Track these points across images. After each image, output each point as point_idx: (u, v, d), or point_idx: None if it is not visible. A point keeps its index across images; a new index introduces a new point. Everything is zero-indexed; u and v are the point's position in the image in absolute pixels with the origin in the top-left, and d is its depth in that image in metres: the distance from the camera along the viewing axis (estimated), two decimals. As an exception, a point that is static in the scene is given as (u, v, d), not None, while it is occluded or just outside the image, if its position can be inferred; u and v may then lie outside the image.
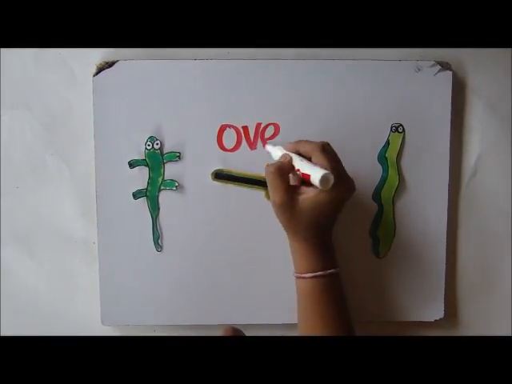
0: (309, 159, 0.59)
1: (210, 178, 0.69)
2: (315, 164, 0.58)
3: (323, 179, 0.55)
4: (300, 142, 0.61)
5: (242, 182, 0.69)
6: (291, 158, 0.60)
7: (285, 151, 0.62)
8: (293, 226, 0.61)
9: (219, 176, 0.69)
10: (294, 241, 0.62)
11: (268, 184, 0.60)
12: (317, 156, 0.58)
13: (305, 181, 0.58)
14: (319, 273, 0.61)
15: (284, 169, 0.59)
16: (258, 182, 0.69)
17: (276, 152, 0.63)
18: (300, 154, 0.61)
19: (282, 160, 0.60)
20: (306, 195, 0.58)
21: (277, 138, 0.68)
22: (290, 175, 0.60)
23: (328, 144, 0.60)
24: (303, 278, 0.61)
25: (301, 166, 0.58)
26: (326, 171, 0.56)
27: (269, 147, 0.65)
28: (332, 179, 0.56)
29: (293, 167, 0.59)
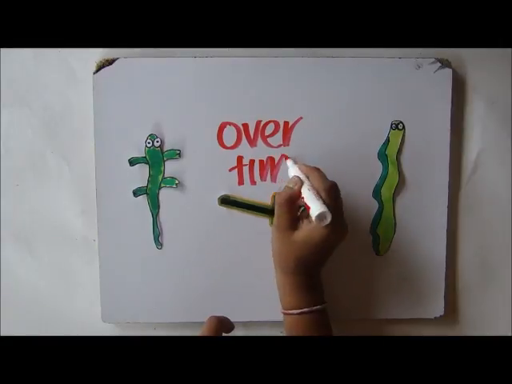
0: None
1: (210, 177, 0.69)
2: (319, 198, 0.58)
3: (321, 215, 0.56)
4: (313, 171, 0.61)
5: (247, 208, 0.69)
6: (301, 185, 0.60)
7: (299, 172, 0.62)
8: (284, 257, 0.61)
9: (225, 201, 0.69)
10: (282, 274, 0.63)
11: (276, 209, 0.61)
12: (322, 194, 0.59)
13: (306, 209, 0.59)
14: (305, 309, 0.61)
15: (293, 198, 0.60)
16: (263, 210, 0.69)
17: (292, 170, 0.63)
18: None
19: (293, 187, 0.60)
20: (302, 228, 0.59)
21: (276, 136, 0.69)
22: None
23: (336, 185, 0.60)
24: (290, 314, 0.62)
25: (307, 195, 0.59)
26: (325, 209, 0.56)
27: (289, 163, 0.65)
28: (329, 218, 0.57)
29: (300, 194, 0.60)
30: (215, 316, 0.59)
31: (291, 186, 0.61)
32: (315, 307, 0.61)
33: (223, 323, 0.59)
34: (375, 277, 0.71)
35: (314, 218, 0.57)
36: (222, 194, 0.69)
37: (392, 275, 0.71)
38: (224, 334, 0.59)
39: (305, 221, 0.60)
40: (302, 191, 0.60)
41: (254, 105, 0.68)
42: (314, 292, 0.63)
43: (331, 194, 0.59)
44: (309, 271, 0.62)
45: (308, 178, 0.61)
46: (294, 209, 0.61)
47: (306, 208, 0.58)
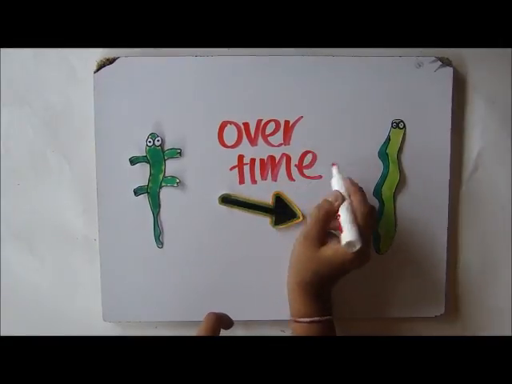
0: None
1: (211, 176, 0.69)
2: (354, 224, 0.58)
3: (350, 243, 0.57)
4: (356, 190, 0.61)
5: (248, 207, 0.69)
6: (341, 203, 0.60)
7: (342, 186, 0.62)
8: (303, 267, 0.61)
9: (226, 200, 0.69)
10: (295, 283, 0.62)
11: (311, 220, 0.61)
12: (359, 218, 0.59)
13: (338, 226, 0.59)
14: (316, 318, 0.61)
15: (330, 214, 0.60)
16: (263, 209, 0.69)
17: (336, 182, 0.63)
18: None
19: (333, 202, 0.60)
20: (329, 246, 0.60)
21: (277, 135, 0.69)
22: None
23: (374, 211, 0.61)
24: (300, 322, 0.62)
25: (344, 215, 0.59)
26: (356, 237, 0.57)
27: (335, 171, 0.64)
28: (357, 248, 0.57)
29: (338, 211, 0.60)
30: (213, 312, 0.59)
31: (331, 200, 0.61)
32: (325, 317, 0.62)
33: (222, 320, 0.59)
34: (376, 275, 0.71)
35: (342, 243, 0.57)
36: (223, 193, 0.69)
37: (393, 274, 0.71)
38: (224, 331, 0.60)
39: (334, 238, 0.60)
40: (340, 209, 0.60)
41: (254, 104, 0.68)
42: (324, 303, 0.63)
43: (368, 220, 0.59)
44: (323, 285, 0.62)
45: (349, 195, 0.61)
46: (328, 224, 0.61)
47: (339, 228, 0.59)
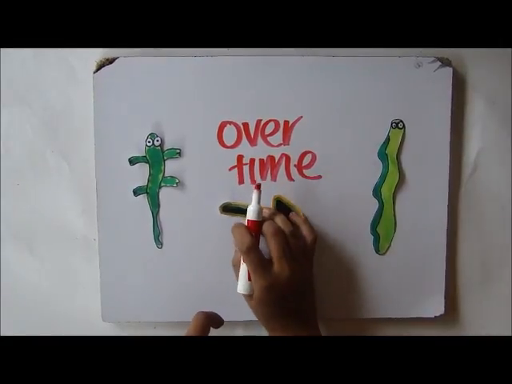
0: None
1: (210, 176, 0.69)
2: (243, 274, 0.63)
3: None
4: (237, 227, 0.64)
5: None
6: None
7: (259, 215, 0.64)
8: (265, 320, 0.64)
9: (227, 209, 0.69)
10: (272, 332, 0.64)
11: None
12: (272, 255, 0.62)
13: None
14: None
15: (236, 264, 0.66)
16: None
17: (253, 209, 0.64)
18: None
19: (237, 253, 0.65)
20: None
21: (276, 135, 0.69)
22: None
23: (247, 252, 0.61)
24: None
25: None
26: (240, 291, 0.63)
27: (255, 197, 0.64)
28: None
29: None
30: (202, 312, 0.59)
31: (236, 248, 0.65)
32: None
33: (211, 318, 0.59)
34: (375, 276, 0.71)
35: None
36: (223, 194, 0.69)
37: (392, 274, 0.71)
38: (226, 331, 0.59)
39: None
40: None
41: (254, 104, 0.68)
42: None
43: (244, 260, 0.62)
44: (292, 324, 0.63)
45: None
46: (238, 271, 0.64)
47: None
